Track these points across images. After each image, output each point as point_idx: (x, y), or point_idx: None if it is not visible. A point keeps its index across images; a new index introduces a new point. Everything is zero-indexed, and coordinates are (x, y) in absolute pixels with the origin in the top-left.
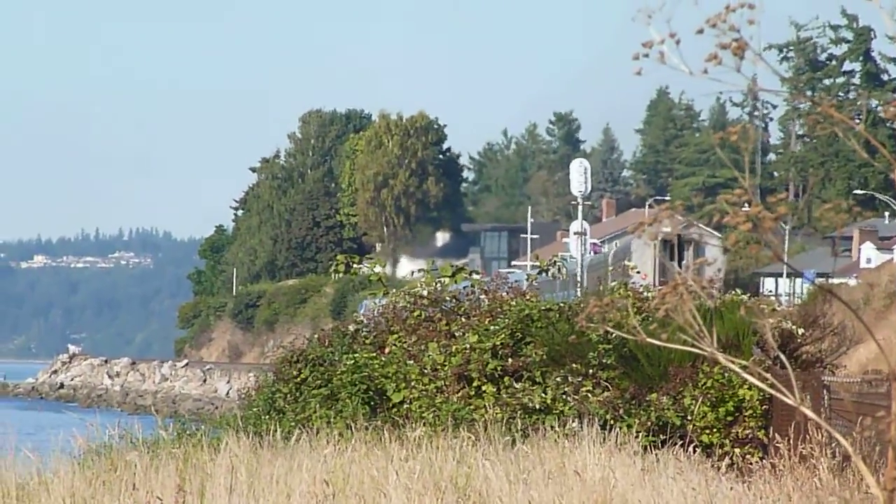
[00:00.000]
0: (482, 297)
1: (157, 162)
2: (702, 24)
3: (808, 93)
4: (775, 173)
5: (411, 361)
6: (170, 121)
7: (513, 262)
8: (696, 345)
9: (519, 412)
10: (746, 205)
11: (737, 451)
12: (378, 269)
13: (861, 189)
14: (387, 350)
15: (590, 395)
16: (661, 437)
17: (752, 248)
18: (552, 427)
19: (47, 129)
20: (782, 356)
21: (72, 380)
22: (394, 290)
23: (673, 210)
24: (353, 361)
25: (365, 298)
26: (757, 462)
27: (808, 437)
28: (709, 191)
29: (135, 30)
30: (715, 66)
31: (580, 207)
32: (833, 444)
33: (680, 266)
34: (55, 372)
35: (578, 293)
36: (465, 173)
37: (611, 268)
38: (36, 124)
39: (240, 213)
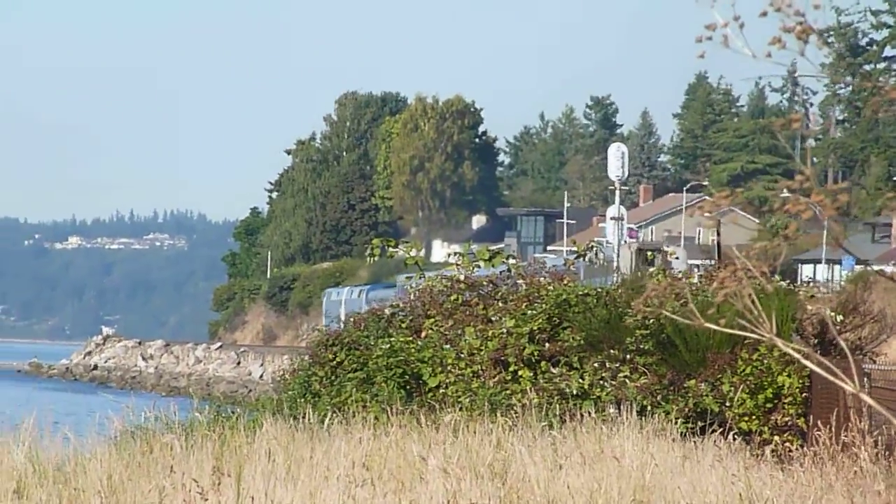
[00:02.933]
0: (519, 281)
1: (193, 143)
2: (765, 8)
3: (849, 78)
4: (815, 159)
5: (448, 346)
6: (206, 102)
7: (549, 247)
8: (755, 330)
9: (556, 397)
10: (785, 190)
11: (776, 438)
12: (414, 252)
13: None
14: (423, 334)
15: (627, 380)
16: (700, 423)
17: (804, 236)
18: (589, 413)
19: (80, 109)
20: (842, 343)
21: (105, 361)
22: (430, 275)
23: (731, 196)
24: (388, 345)
25: (328, 288)
26: (797, 450)
27: (848, 425)
28: (747, 176)
29: (170, 6)
30: (779, 49)
31: (617, 192)
32: (875, 433)
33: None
34: (89, 353)
35: (616, 279)
36: (502, 157)
37: (650, 253)
38: (68, 106)
39: (274, 195)
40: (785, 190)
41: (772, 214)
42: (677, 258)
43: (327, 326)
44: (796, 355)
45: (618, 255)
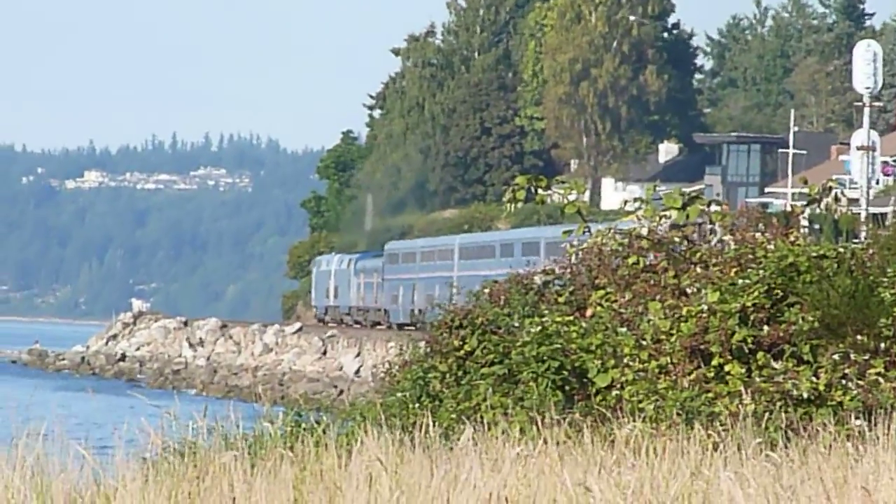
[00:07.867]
0: (727, 238)
1: (260, 41)
2: None
3: None
4: None
5: (624, 329)
6: None
7: (767, 189)
8: None
9: (779, 403)
10: None
11: None
12: (575, 196)
13: None
14: (589, 313)
15: (882, 379)
16: None
17: None
18: (826, 425)
19: (101, 5)
20: None
21: (137, 349)
22: (599, 228)
23: None
24: (540, 328)
25: (321, 256)
26: None
27: None
28: None
29: None
30: None
31: (867, 111)
32: None
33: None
34: (113, 338)
35: (864, 234)
36: (700, 60)
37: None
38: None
39: (376, 114)
40: None
41: None
42: None
43: (316, 307)
44: None
45: (867, 200)
